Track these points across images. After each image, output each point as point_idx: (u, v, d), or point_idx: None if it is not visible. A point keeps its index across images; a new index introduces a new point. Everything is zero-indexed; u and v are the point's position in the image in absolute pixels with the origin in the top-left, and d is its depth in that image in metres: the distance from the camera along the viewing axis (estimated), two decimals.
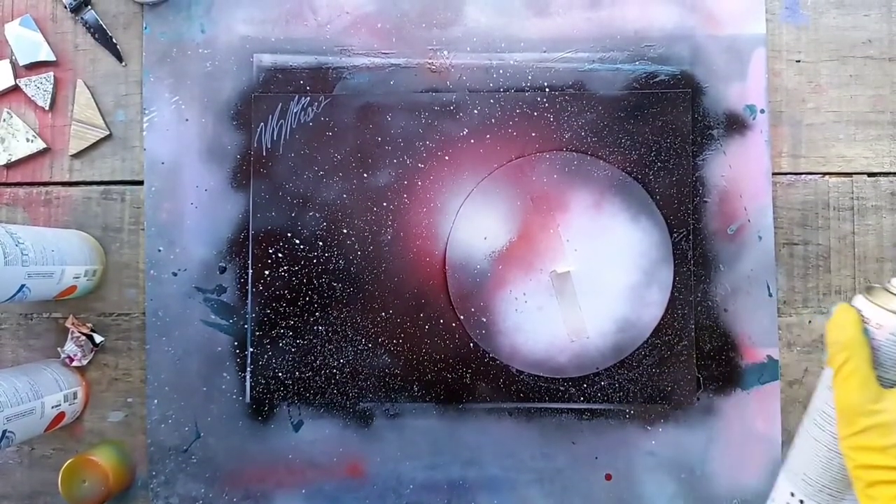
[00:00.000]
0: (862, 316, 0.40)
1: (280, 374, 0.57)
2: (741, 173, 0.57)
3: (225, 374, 0.57)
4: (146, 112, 0.58)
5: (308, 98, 0.57)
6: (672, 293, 0.56)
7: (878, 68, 0.58)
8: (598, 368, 0.56)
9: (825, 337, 0.41)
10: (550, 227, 0.57)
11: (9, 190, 0.59)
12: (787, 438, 0.57)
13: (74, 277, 0.54)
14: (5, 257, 0.46)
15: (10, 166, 0.58)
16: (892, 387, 0.39)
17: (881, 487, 0.37)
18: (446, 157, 0.57)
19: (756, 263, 0.57)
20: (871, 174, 0.58)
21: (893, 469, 0.37)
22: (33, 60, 0.58)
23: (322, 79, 0.58)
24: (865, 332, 0.40)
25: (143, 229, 0.58)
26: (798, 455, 0.42)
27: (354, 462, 0.57)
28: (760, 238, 0.57)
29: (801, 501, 0.42)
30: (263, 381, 0.57)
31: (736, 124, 0.57)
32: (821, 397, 0.41)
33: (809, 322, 0.58)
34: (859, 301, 0.41)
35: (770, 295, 0.57)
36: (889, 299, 0.40)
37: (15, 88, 0.58)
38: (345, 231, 0.57)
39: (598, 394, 0.57)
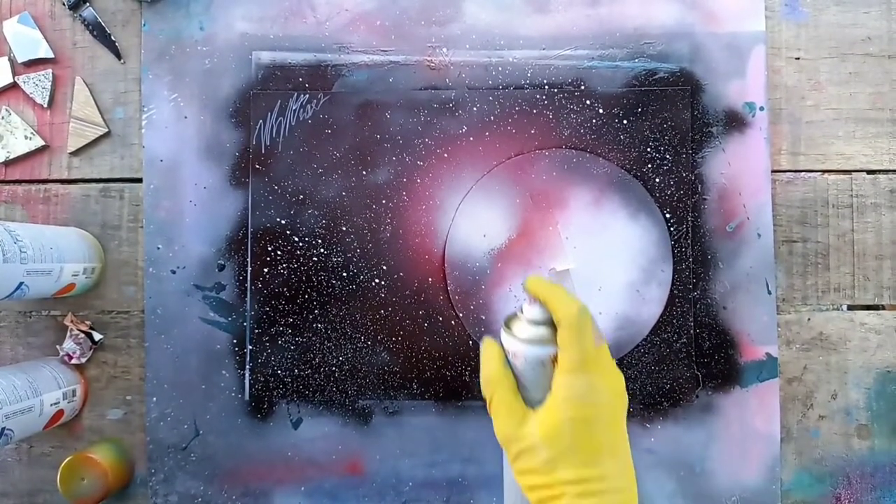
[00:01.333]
0: (504, 348, 0.42)
1: (279, 372, 0.57)
2: (740, 171, 0.57)
3: (224, 372, 0.57)
4: (145, 109, 0.58)
5: (307, 95, 0.57)
6: (671, 290, 0.57)
7: (877, 65, 0.58)
8: None
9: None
10: (550, 224, 0.57)
11: (7, 187, 0.58)
12: (787, 435, 0.57)
13: (73, 275, 0.54)
14: (3, 255, 0.46)
15: (8, 164, 0.58)
16: (540, 403, 0.40)
17: (548, 503, 0.39)
18: (445, 155, 0.57)
19: (755, 261, 0.57)
20: (870, 171, 0.58)
21: (549, 486, 0.39)
22: (32, 58, 0.58)
23: (321, 76, 0.58)
24: (508, 362, 0.42)
25: (141, 227, 0.58)
26: (506, 487, 0.44)
27: (354, 459, 0.57)
28: (760, 235, 0.57)
29: None
30: (262, 379, 0.57)
31: (735, 122, 0.57)
32: None
33: (808, 320, 0.58)
34: (502, 332, 0.43)
35: (769, 292, 0.57)
36: (520, 328, 0.42)
37: (13, 86, 0.58)
38: (344, 229, 0.57)
39: None
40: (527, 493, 0.40)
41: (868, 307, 0.58)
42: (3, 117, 0.58)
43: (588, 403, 0.39)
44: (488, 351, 0.43)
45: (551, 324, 0.41)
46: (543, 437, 0.39)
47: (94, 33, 0.58)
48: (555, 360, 0.40)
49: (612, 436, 0.40)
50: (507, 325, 0.43)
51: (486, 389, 0.42)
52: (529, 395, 0.41)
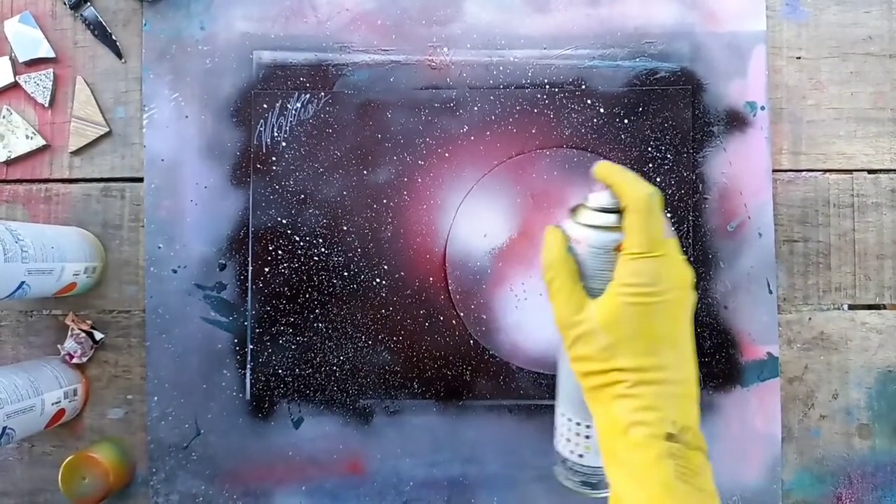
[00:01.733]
0: (567, 235, 0.41)
1: (280, 371, 0.57)
2: (741, 170, 0.57)
3: (225, 372, 0.57)
4: (146, 109, 0.58)
5: (308, 95, 0.57)
6: None
7: (878, 65, 0.58)
8: None
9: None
10: (551, 224, 0.56)
11: (8, 187, 0.58)
12: (788, 435, 0.57)
13: (74, 274, 0.54)
14: (5, 254, 0.46)
15: (9, 163, 0.58)
16: (600, 294, 0.39)
17: (601, 390, 0.38)
18: (446, 154, 0.57)
19: (756, 260, 0.57)
20: (871, 171, 0.58)
21: (605, 372, 0.38)
22: (33, 57, 0.58)
23: (322, 76, 0.58)
24: (570, 249, 0.41)
25: (142, 226, 0.58)
26: (560, 378, 0.43)
27: (354, 459, 0.57)
28: (761, 235, 0.57)
29: (570, 419, 0.43)
30: (263, 379, 0.57)
31: (736, 121, 0.57)
32: None
33: (809, 319, 0.58)
34: (565, 221, 0.42)
35: (770, 292, 0.57)
36: (585, 215, 0.41)
37: (14, 85, 0.58)
38: (345, 228, 0.57)
39: None
40: (581, 379, 0.39)
41: (869, 307, 0.58)
42: (4, 117, 0.58)
43: (652, 291, 0.37)
44: (551, 237, 0.41)
45: (618, 211, 0.40)
46: (603, 322, 0.38)
47: (95, 33, 0.58)
48: (619, 249, 0.39)
49: (675, 327, 0.38)
50: (573, 212, 0.41)
51: (546, 274, 0.41)
52: (590, 284, 0.40)
